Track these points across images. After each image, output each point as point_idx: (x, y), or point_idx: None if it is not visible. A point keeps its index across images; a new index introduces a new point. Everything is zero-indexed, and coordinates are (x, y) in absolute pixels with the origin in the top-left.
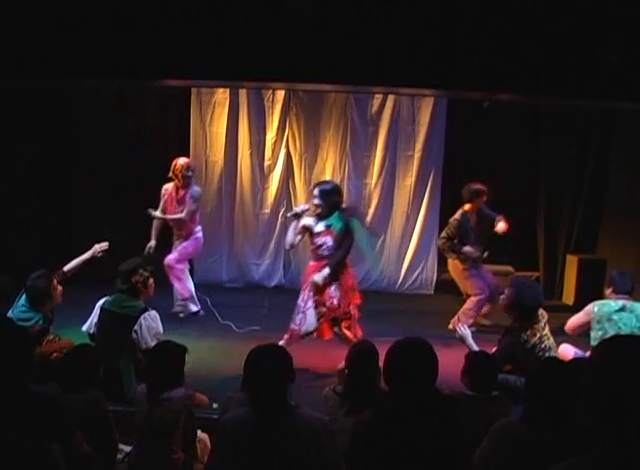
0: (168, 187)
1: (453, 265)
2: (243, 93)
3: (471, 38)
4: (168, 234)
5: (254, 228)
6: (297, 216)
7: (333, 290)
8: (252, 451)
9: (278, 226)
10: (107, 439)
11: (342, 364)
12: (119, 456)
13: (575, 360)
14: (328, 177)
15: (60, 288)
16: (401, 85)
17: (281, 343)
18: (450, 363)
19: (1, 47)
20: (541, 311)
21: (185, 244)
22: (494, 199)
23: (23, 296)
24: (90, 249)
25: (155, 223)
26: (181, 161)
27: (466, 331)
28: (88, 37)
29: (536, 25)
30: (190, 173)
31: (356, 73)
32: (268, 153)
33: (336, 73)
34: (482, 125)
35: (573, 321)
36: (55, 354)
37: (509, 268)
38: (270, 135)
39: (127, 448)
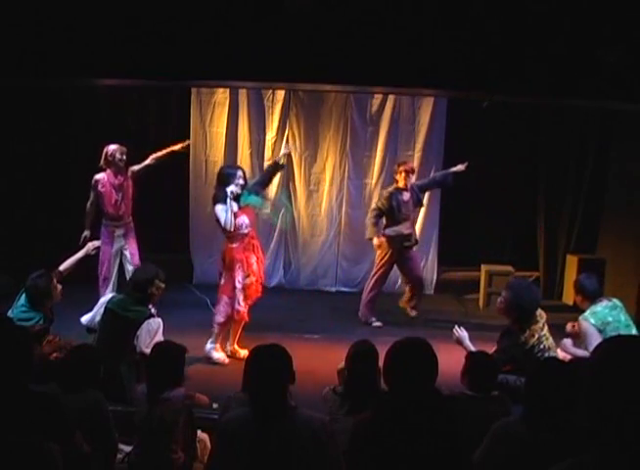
0: (100, 177)
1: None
2: (243, 93)
3: (471, 38)
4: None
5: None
6: (235, 199)
7: (254, 262)
8: (252, 452)
9: (278, 226)
10: (107, 439)
11: (341, 364)
12: (119, 456)
13: (575, 360)
14: (328, 177)
15: (60, 287)
16: (401, 85)
17: (220, 321)
18: (450, 363)
19: (1, 47)
20: (540, 312)
21: (134, 245)
22: (494, 199)
23: (23, 296)
24: (84, 247)
25: (87, 213)
26: (112, 146)
27: (463, 333)
28: (88, 37)
29: (536, 26)
30: (124, 157)
31: (356, 73)
32: (268, 153)
33: (336, 73)
34: (482, 125)
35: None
36: (55, 354)
37: (509, 268)
38: (270, 135)
39: (127, 448)
